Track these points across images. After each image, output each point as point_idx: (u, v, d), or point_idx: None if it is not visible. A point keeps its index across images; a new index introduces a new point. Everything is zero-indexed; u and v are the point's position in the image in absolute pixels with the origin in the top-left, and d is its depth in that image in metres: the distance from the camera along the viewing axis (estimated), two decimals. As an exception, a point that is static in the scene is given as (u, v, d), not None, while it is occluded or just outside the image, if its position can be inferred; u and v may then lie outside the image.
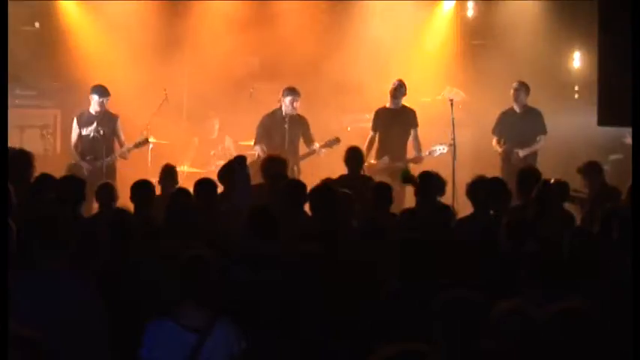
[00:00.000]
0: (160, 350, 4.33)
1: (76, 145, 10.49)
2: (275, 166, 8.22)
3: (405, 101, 10.82)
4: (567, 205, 7.85)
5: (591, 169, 8.59)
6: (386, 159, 10.44)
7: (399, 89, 10.65)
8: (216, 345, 4.33)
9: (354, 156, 8.79)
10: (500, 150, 10.73)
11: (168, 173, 8.26)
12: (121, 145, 10.42)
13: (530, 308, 3.67)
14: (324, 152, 10.52)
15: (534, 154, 10.68)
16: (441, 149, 10.47)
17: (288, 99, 10.54)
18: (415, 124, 10.66)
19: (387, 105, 10.75)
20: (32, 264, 4.75)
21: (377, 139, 10.63)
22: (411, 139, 10.66)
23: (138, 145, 10.40)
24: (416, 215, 6.90)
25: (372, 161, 10.50)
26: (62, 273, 4.70)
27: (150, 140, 10.51)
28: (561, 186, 7.56)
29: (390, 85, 10.71)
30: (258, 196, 7.36)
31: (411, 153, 10.63)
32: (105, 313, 4.75)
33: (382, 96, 10.82)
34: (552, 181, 7.53)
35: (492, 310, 3.67)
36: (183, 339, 4.32)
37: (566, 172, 8.91)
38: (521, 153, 10.65)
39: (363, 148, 9.80)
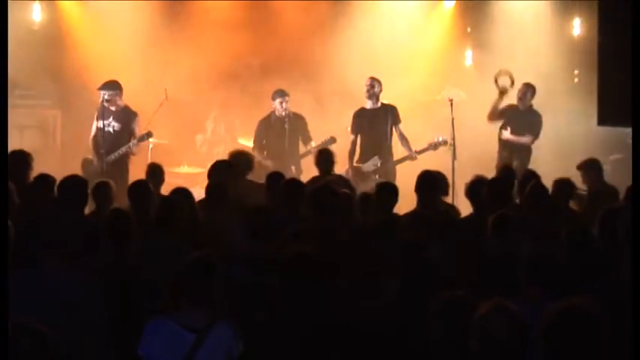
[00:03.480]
0: (159, 350, 4.34)
1: (94, 138, 10.30)
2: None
3: (403, 101, 10.77)
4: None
5: (590, 167, 8.59)
6: (376, 159, 10.28)
7: (374, 87, 10.44)
8: (215, 345, 4.33)
9: (325, 158, 8.57)
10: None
11: (153, 172, 8.16)
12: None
13: (513, 306, 3.67)
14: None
15: (528, 153, 10.67)
16: (441, 139, 10.32)
17: (277, 100, 10.58)
18: (398, 121, 10.43)
19: (365, 105, 10.55)
20: (33, 263, 4.75)
21: (359, 141, 10.42)
22: (397, 137, 10.48)
23: (142, 139, 10.19)
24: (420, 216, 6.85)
25: (357, 164, 10.31)
26: (62, 272, 4.71)
27: (151, 135, 10.24)
28: (566, 184, 7.52)
29: (364, 86, 10.51)
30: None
31: (401, 152, 10.49)
32: (105, 312, 4.75)
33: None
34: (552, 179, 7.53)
35: (476, 310, 3.67)
36: (182, 339, 4.32)
37: (566, 172, 8.90)
38: (505, 135, 10.68)
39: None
